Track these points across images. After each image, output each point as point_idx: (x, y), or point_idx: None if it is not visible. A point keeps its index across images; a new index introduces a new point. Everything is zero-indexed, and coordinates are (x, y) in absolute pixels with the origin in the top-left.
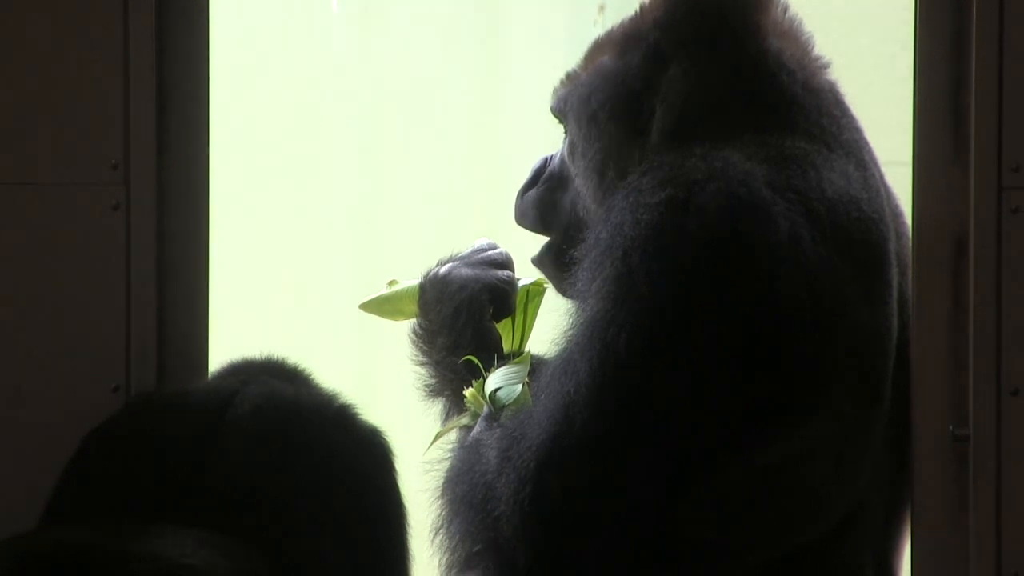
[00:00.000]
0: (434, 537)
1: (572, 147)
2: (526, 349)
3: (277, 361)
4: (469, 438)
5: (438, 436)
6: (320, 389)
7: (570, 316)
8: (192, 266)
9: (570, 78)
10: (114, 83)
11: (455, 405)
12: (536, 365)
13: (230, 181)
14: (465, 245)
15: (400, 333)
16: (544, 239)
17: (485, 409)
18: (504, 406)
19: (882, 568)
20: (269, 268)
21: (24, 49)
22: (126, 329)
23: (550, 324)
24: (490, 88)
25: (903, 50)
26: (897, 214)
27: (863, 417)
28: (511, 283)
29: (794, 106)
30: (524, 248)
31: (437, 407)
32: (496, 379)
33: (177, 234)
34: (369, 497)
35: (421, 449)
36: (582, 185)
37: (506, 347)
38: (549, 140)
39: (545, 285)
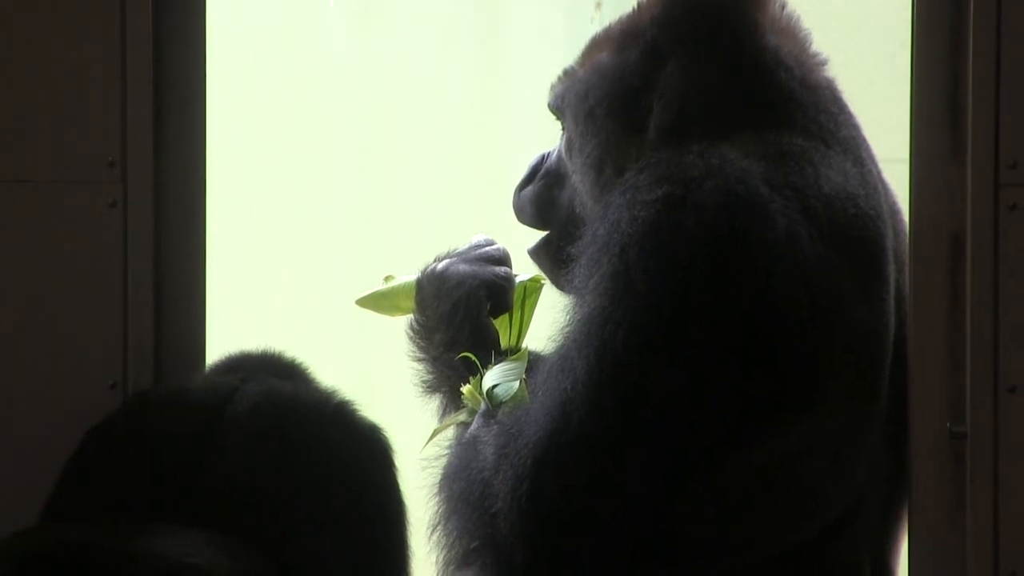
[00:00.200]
0: (432, 534)
1: (569, 143)
2: (523, 345)
3: (273, 355)
4: (466, 435)
5: (435, 433)
6: (317, 385)
7: (567, 313)
8: (189, 264)
9: (568, 74)
10: (111, 81)
11: (452, 401)
12: (533, 362)
13: (228, 179)
14: (463, 241)
15: (397, 329)
16: (542, 233)
17: (482, 406)
18: (501, 403)
19: (879, 565)
20: (266, 265)
21: (21, 47)
22: (123, 326)
23: (548, 320)
24: (488, 85)
25: (901, 47)
26: (895, 211)
27: (860, 414)
28: (508, 279)
29: (792, 103)
30: (522, 244)
31: (434, 403)
32: (493, 376)
33: (174, 232)
34: (368, 494)
35: (419, 446)
36: (579, 182)
37: (503, 343)
38: (547, 136)
39: (543, 281)
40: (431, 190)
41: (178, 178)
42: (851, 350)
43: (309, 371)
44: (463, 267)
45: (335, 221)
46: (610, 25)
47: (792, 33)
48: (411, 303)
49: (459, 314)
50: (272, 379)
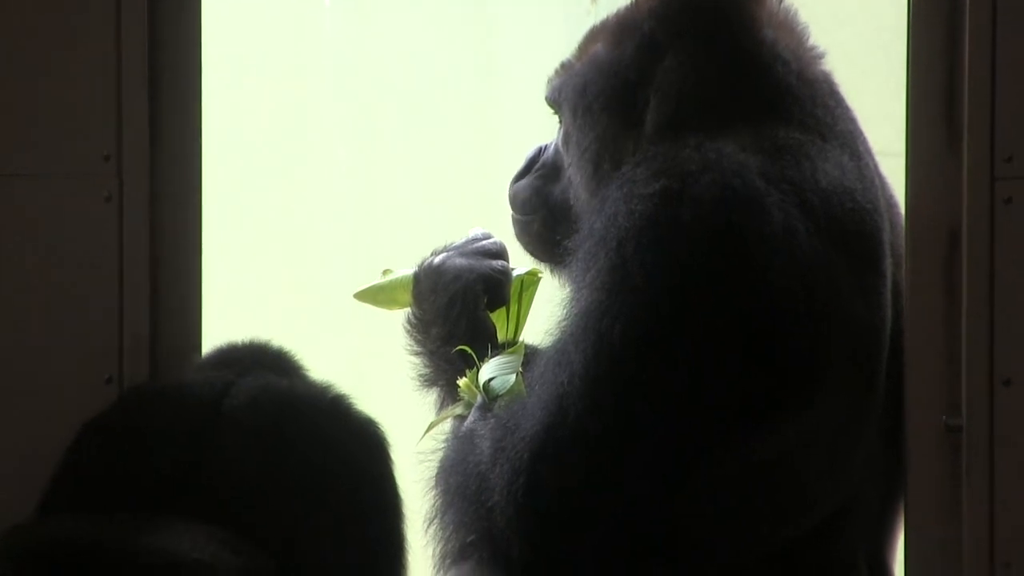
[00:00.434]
0: (428, 527)
1: (566, 137)
2: (520, 339)
3: (267, 347)
4: (463, 428)
5: (431, 426)
6: (312, 378)
7: (564, 307)
8: (185, 257)
9: (565, 68)
10: (107, 75)
11: (450, 395)
12: (530, 355)
13: (224, 173)
14: (460, 235)
15: (395, 322)
16: None
17: (479, 399)
18: (498, 396)
19: (876, 559)
20: (262, 259)
21: (16, 40)
22: (119, 320)
23: (545, 314)
24: (484, 78)
25: (897, 41)
26: (891, 204)
27: (857, 408)
28: (505, 273)
29: (789, 97)
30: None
31: (432, 397)
32: (490, 369)
33: (170, 226)
34: (365, 487)
35: (416, 439)
36: (575, 175)
37: (500, 337)
38: (544, 130)
39: (540, 275)
40: (428, 184)
41: (174, 172)
42: (848, 344)
43: (302, 364)
44: (460, 261)
45: (332, 215)
46: (607, 18)
47: (789, 27)
48: (408, 297)
49: (456, 308)
50: (268, 373)
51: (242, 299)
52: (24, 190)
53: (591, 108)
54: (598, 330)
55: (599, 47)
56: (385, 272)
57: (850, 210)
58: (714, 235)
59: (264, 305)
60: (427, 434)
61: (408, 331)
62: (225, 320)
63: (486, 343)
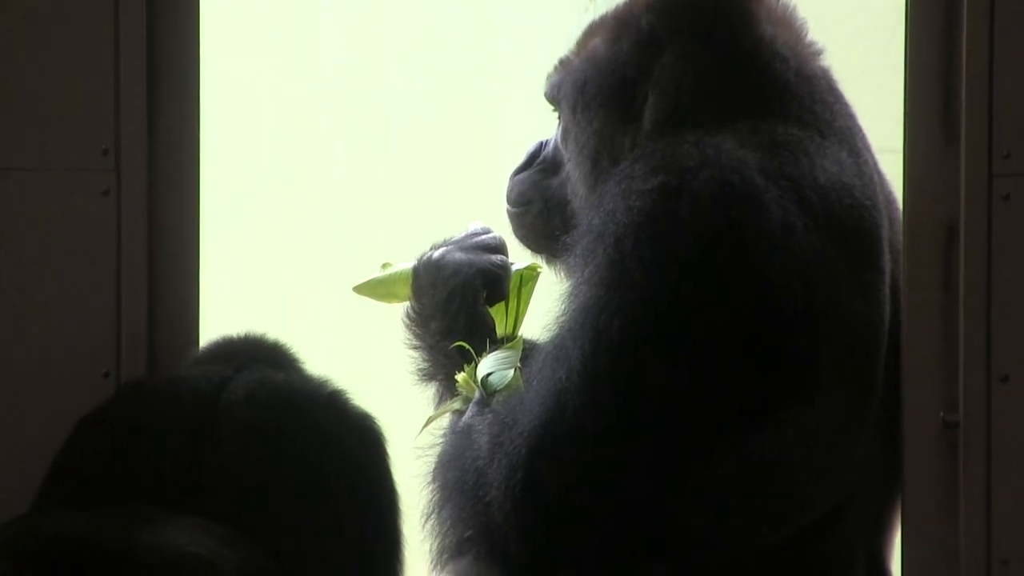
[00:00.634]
0: (425, 522)
1: (565, 133)
2: (519, 334)
3: (264, 341)
4: (460, 423)
5: (429, 420)
6: (308, 372)
7: (562, 302)
8: (183, 251)
9: (563, 64)
10: (105, 69)
11: (448, 389)
12: (529, 350)
13: (221, 166)
14: (459, 229)
15: (394, 316)
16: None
17: (477, 394)
18: (496, 391)
19: (873, 555)
20: (260, 253)
21: (15, 35)
22: (116, 315)
23: (544, 308)
24: (483, 73)
25: (895, 36)
26: (890, 201)
27: (855, 404)
28: (504, 268)
29: (787, 93)
30: None
31: (431, 391)
32: (488, 364)
33: (168, 220)
34: (362, 483)
35: (414, 434)
36: (574, 171)
37: (499, 331)
38: (542, 125)
39: (539, 269)
40: (427, 178)
41: (172, 166)
42: (846, 340)
43: (299, 358)
44: (459, 255)
45: (331, 210)
46: (605, 14)
47: (788, 23)
48: (408, 290)
49: (455, 302)
50: (265, 368)
51: (240, 294)
52: (22, 184)
53: (589, 104)
54: (596, 326)
55: (597, 43)
56: (384, 266)
57: (848, 206)
58: (712, 231)
59: (263, 300)
60: (425, 428)
61: (407, 325)
62: (223, 315)
63: (485, 338)
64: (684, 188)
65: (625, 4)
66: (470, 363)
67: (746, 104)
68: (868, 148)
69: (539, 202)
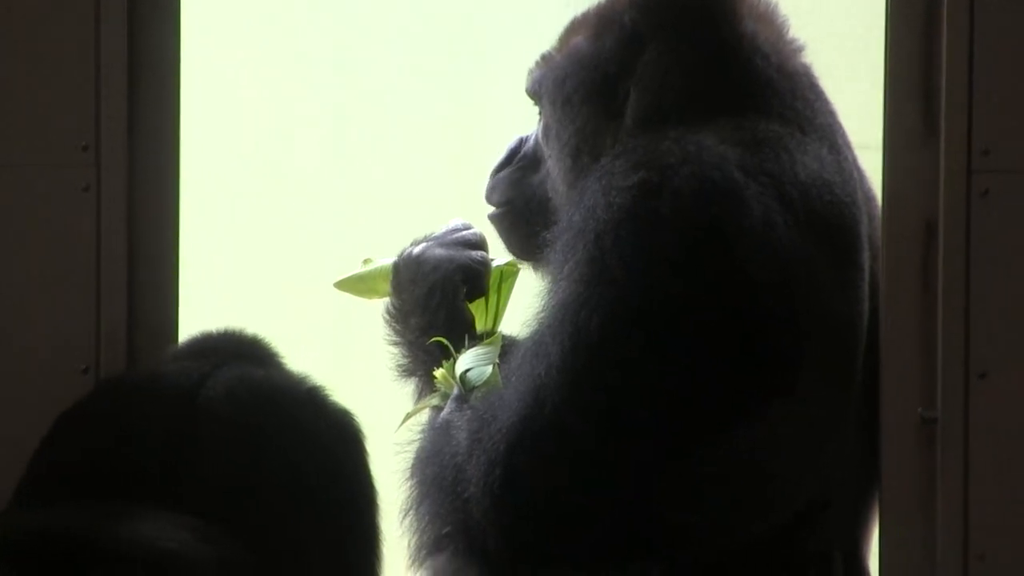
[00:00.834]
0: (404, 518)
1: (546, 129)
2: (498, 330)
3: (243, 336)
4: (439, 419)
5: (408, 416)
6: (286, 367)
7: (542, 298)
8: (162, 248)
9: (545, 60)
10: (85, 64)
11: (428, 385)
12: (508, 346)
13: (202, 163)
14: (440, 225)
15: (374, 312)
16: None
17: (455, 390)
18: (474, 387)
19: (851, 551)
20: (241, 249)
21: None
22: (96, 310)
23: (524, 305)
24: (465, 68)
25: (875, 33)
26: (870, 198)
27: (834, 401)
28: (484, 264)
29: (768, 89)
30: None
31: (411, 387)
32: (467, 360)
33: (147, 216)
34: (340, 479)
35: (394, 430)
36: (555, 167)
37: (479, 327)
38: (524, 120)
39: (519, 266)
40: (409, 173)
41: (152, 162)
42: (826, 337)
43: (278, 353)
44: (439, 251)
45: (312, 205)
46: (588, 10)
47: (769, 19)
48: (388, 286)
49: (435, 298)
50: (244, 364)
51: (220, 290)
52: (1, 180)
53: (571, 100)
54: (576, 322)
55: (580, 39)
56: (365, 261)
57: (829, 203)
58: (693, 228)
59: (243, 296)
60: (403, 424)
61: (387, 321)
62: (203, 311)
63: (464, 334)
64: (665, 184)
65: (608, 1)
66: (449, 359)
67: (727, 101)
68: (848, 145)
69: (519, 201)
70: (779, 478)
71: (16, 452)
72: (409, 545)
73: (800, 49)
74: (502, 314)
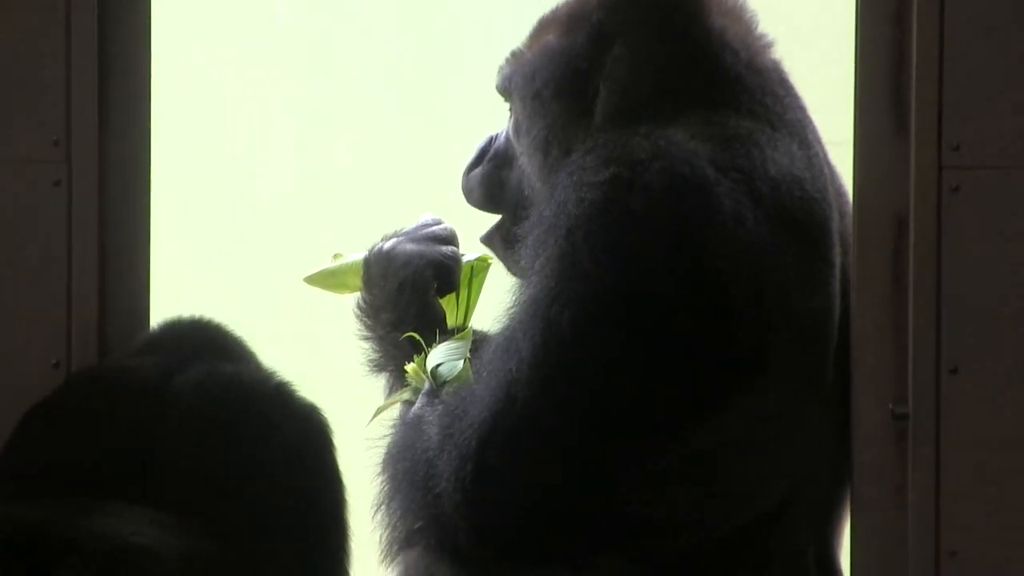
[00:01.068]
0: (375, 513)
1: (517, 125)
2: (469, 325)
3: (208, 326)
4: (410, 414)
5: (379, 411)
6: (255, 359)
7: (513, 293)
8: (133, 242)
9: (515, 56)
10: (56, 59)
11: (399, 380)
12: (479, 341)
13: (173, 158)
14: (411, 220)
15: (345, 307)
16: (492, 217)
17: (426, 385)
18: (445, 382)
19: (822, 547)
20: (212, 244)
21: None
22: (67, 305)
23: (495, 300)
24: (436, 63)
25: (844, 29)
26: (841, 193)
27: (804, 397)
28: (455, 259)
29: (738, 85)
30: (469, 224)
31: (382, 382)
32: (438, 355)
33: (119, 210)
34: (307, 474)
35: (366, 424)
36: (527, 163)
37: (450, 322)
38: (494, 116)
39: (490, 261)
40: (380, 168)
41: (123, 157)
42: (796, 333)
43: (247, 345)
44: (410, 246)
45: (283, 200)
46: (558, 7)
47: (738, 15)
48: (359, 281)
49: (406, 293)
50: (212, 358)
51: (192, 284)
52: None
53: (541, 96)
54: (546, 317)
55: (550, 36)
56: (336, 256)
57: (799, 199)
58: (663, 223)
59: (214, 291)
60: (375, 419)
61: (358, 316)
62: (174, 305)
63: (435, 329)
64: (635, 180)
65: None
66: (420, 354)
67: (697, 97)
68: (819, 141)
69: (501, 205)
70: (750, 474)
71: None
72: (381, 540)
73: (769, 45)
74: (473, 309)
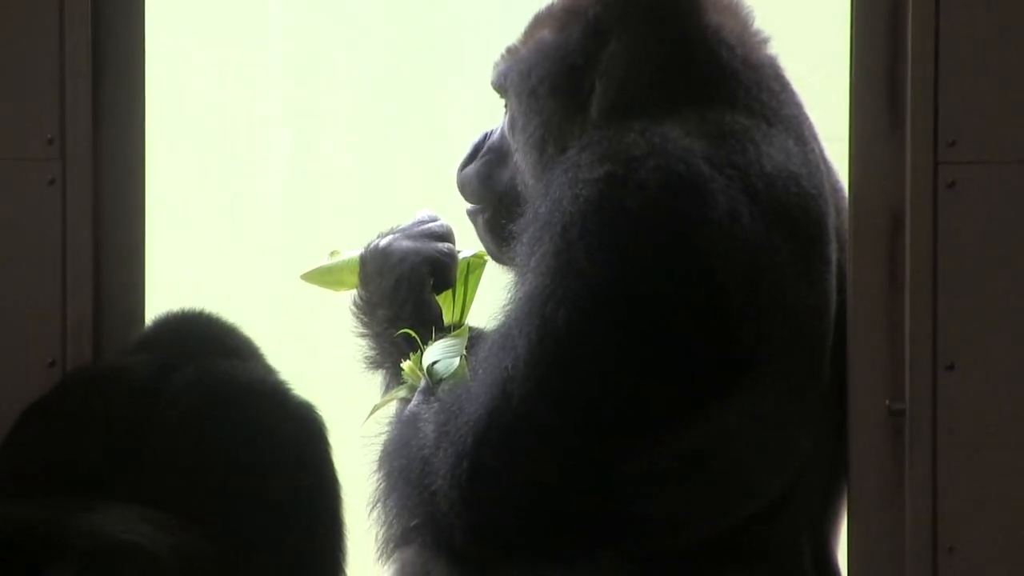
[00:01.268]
0: (371, 511)
1: (512, 122)
2: (465, 322)
3: (203, 317)
4: (406, 411)
5: (375, 409)
6: (259, 357)
7: (509, 291)
8: (128, 241)
9: (511, 53)
10: (50, 57)
11: (395, 377)
12: (475, 338)
13: (168, 156)
14: (408, 216)
15: (343, 304)
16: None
17: (422, 382)
18: (441, 379)
19: (819, 544)
20: (208, 242)
21: None
22: (62, 304)
23: (492, 297)
24: (431, 60)
25: (840, 25)
26: (837, 189)
27: (801, 393)
28: (451, 255)
29: (734, 81)
30: (466, 220)
31: (378, 379)
32: (434, 352)
33: (113, 209)
34: (302, 473)
35: (362, 421)
36: (522, 160)
37: (446, 319)
38: (490, 112)
39: (486, 257)
40: (377, 165)
41: (117, 155)
42: (792, 329)
43: (244, 336)
44: (406, 243)
45: (279, 197)
46: (553, 3)
47: (734, 11)
48: (355, 278)
49: (402, 290)
50: (210, 355)
51: (187, 283)
52: None
53: (537, 93)
54: (542, 314)
55: (545, 32)
56: (333, 253)
57: (795, 195)
58: (659, 220)
59: (210, 289)
60: (371, 416)
61: (354, 313)
62: (170, 304)
63: (431, 326)
64: (630, 177)
65: None
66: (416, 351)
67: (693, 93)
68: (815, 136)
69: (492, 197)
70: (747, 471)
71: None
72: (377, 538)
73: (765, 41)
74: (469, 306)
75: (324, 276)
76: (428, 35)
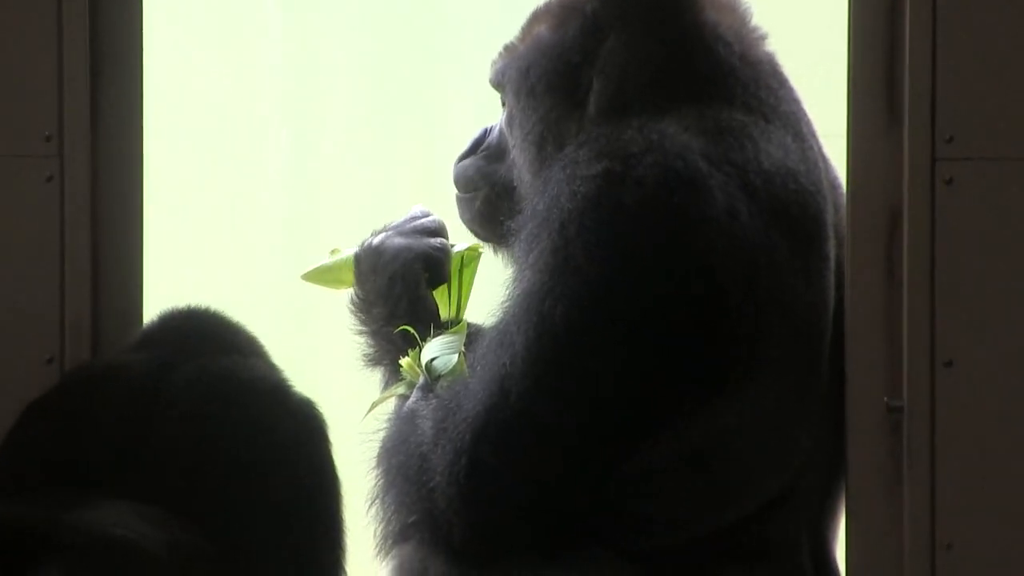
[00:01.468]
0: (369, 508)
1: (510, 119)
2: (463, 318)
3: (204, 314)
4: (404, 408)
5: (374, 406)
6: (256, 354)
7: (507, 287)
8: (127, 238)
9: (508, 50)
10: (48, 54)
11: (394, 374)
12: (473, 335)
13: (165, 153)
14: (401, 214)
15: (343, 302)
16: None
17: (421, 379)
18: (440, 376)
19: (817, 540)
20: (207, 240)
21: None
22: (60, 301)
23: (489, 291)
24: (428, 57)
25: (838, 21)
26: (835, 186)
27: (799, 390)
28: (444, 250)
29: (732, 78)
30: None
31: (377, 376)
32: (432, 348)
33: (112, 206)
34: (301, 470)
35: (361, 418)
36: (520, 157)
37: (443, 315)
38: (486, 109)
39: (480, 250)
40: (375, 163)
41: (116, 151)
42: (790, 326)
43: (247, 331)
44: (399, 240)
45: (277, 195)
46: (550, 0)
47: (732, 8)
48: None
49: (396, 287)
50: (210, 352)
51: (186, 280)
52: None
53: (534, 90)
54: (540, 311)
55: (543, 29)
56: (333, 252)
57: (793, 192)
58: (656, 217)
59: (209, 287)
60: (369, 413)
61: (352, 311)
62: (168, 302)
63: (428, 322)
64: (628, 174)
65: None
66: (414, 348)
67: (691, 89)
68: (813, 133)
69: (486, 187)
70: (745, 467)
71: None
72: (375, 534)
73: (763, 37)
74: (466, 300)
75: (323, 275)
76: (426, 35)
